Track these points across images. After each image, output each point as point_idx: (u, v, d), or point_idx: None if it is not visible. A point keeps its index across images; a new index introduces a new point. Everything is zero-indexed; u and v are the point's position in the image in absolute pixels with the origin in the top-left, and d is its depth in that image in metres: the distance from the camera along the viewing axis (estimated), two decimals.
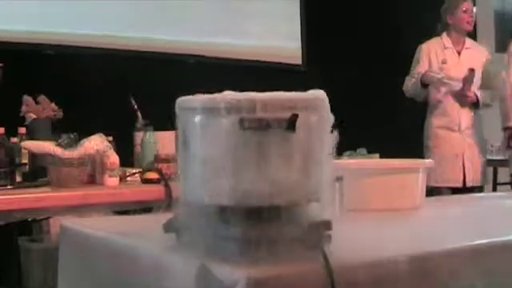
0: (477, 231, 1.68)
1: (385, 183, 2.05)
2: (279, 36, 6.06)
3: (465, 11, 4.82)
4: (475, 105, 4.80)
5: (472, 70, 4.67)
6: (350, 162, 2.09)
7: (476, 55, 4.91)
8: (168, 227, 1.47)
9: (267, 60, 5.88)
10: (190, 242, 1.35)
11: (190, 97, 1.33)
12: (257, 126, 1.24)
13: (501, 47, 5.67)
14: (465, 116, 4.80)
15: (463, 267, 1.46)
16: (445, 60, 4.83)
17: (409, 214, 1.99)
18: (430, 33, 5.06)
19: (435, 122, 4.85)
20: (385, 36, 6.38)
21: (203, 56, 5.54)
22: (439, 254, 1.42)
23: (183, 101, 1.34)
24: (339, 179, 1.84)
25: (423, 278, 1.38)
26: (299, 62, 6.19)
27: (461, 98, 4.73)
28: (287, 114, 1.25)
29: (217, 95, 1.28)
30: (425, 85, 4.78)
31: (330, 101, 1.34)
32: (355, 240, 1.46)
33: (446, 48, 4.90)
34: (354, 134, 5.20)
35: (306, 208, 1.31)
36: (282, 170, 1.25)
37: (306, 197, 1.30)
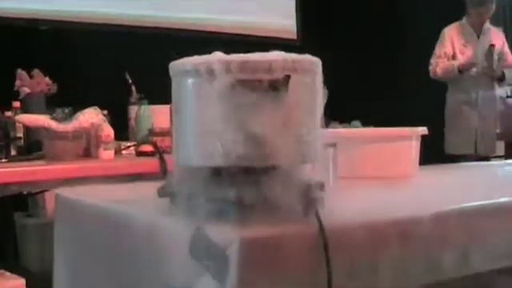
0: (468, 196, 1.69)
1: (377, 151, 2.06)
2: (274, 11, 6.05)
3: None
4: (500, 80, 5.16)
5: (492, 46, 5.03)
6: (343, 130, 2.09)
7: (494, 37, 5.22)
8: (162, 192, 1.48)
9: (262, 35, 5.86)
10: (184, 206, 1.35)
11: (182, 59, 1.33)
12: (249, 86, 1.24)
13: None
14: (481, 92, 5.16)
15: (453, 230, 1.47)
16: (465, 43, 5.19)
17: (401, 181, 2.00)
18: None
19: (453, 96, 5.25)
20: (382, 9, 6.36)
21: (198, 31, 5.53)
22: (429, 217, 1.43)
23: (176, 64, 1.34)
24: (332, 146, 1.85)
25: (414, 241, 1.40)
26: (294, 36, 6.18)
27: (487, 74, 5.09)
28: (280, 75, 1.25)
29: (209, 56, 1.29)
30: (461, 71, 5.13)
31: (326, 75, 1.35)
32: (347, 203, 1.46)
33: (465, 31, 5.22)
34: (351, 108, 5.24)
35: (299, 169, 1.31)
36: (275, 131, 1.26)
37: (299, 158, 1.31)
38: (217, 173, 1.30)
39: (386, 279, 1.33)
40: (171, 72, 1.36)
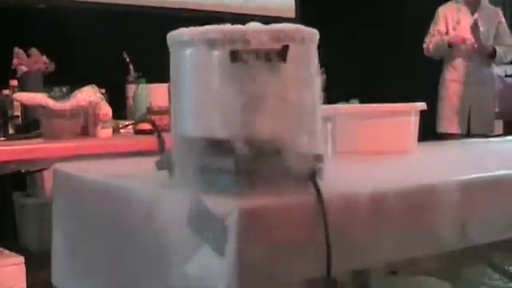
0: (466, 169, 1.70)
1: (376, 126, 2.05)
2: None
3: None
4: (491, 57, 5.09)
5: (476, 23, 4.99)
6: (341, 106, 2.09)
7: (490, 15, 5.19)
8: (160, 164, 1.48)
9: (259, 14, 5.83)
10: (182, 177, 1.35)
11: (180, 29, 1.32)
12: (248, 57, 1.23)
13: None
14: (473, 70, 5.11)
15: (452, 203, 1.47)
16: (458, 20, 5.16)
17: (400, 156, 2.00)
18: None
19: (447, 75, 5.21)
20: None
21: (197, 10, 5.51)
22: (428, 188, 1.44)
23: (174, 34, 1.33)
24: (331, 120, 1.85)
25: (413, 212, 1.40)
26: (293, 15, 6.16)
27: (475, 50, 5.04)
28: (278, 46, 1.25)
29: (207, 27, 1.28)
30: (451, 46, 5.12)
31: (325, 54, 1.35)
32: (346, 174, 1.47)
33: (460, 10, 5.19)
34: (348, 86, 5.23)
35: (298, 140, 1.31)
36: (273, 102, 1.25)
37: (298, 129, 1.30)
38: (215, 144, 1.29)
39: (384, 249, 1.33)
40: (169, 42, 1.35)
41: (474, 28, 4.98)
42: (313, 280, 1.23)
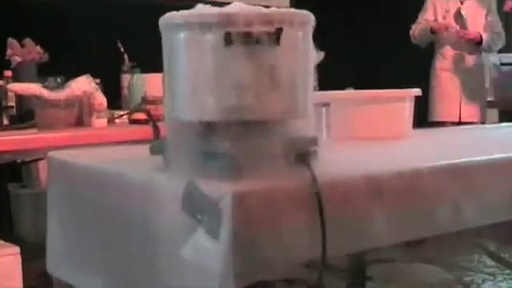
0: (462, 152, 1.70)
1: (371, 112, 2.05)
2: None
3: None
4: (477, 44, 5.08)
5: (458, 11, 5.05)
6: (336, 92, 2.08)
7: (479, 5, 5.17)
8: (154, 149, 1.47)
9: (254, 3, 5.82)
10: (176, 161, 1.35)
11: (173, 13, 1.31)
12: (241, 40, 1.23)
13: None
14: (462, 59, 5.13)
15: (448, 185, 1.47)
16: (448, 9, 5.16)
17: (395, 141, 2.00)
18: None
19: (437, 63, 5.23)
20: None
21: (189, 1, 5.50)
22: (424, 171, 1.43)
23: (167, 17, 1.33)
24: (326, 105, 1.85)
25: (408, 194, 1.40)
26: (287, 4, 6.16)
27: (460, 38, 5.05)
28: (272, 28, 1.24)
29: (200, 9, 1.27)
30: (433, 31, 5.13)
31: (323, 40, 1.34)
32: (341, 157, 1.47)
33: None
34: (345, 73, 5.22)
35: (292, 123, 1.31)
36: (267, 85, 1.25)
37: (292, 112, 1.30)
38: (209, 127, 1.29)
39: (380, 232, 1.33)
40: (161, 26, 1.35)
41: (457, 16, 5.02)
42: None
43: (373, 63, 5.99)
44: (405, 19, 5.42)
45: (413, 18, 5.30)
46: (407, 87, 2.16)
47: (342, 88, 4.95)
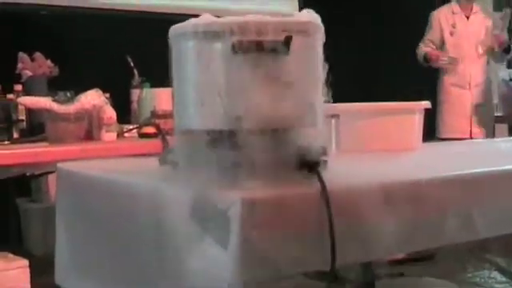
0: (472, 164, 1.69)
1: (381, 124, 2.05)
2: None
3: None
4: (506, 50, 5.14)
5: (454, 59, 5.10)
6: (346, 104, 2.08)
7: (482, 19, 5.22)
8: (163, 160, 1.48)
9: (264, 7, 5.81)
10: (185, 170, 1.35)
11: (182, 23, 1.32)
12: (250, 48, 1.23)
13: (497, 6, 5.71)
14: (475, 75, 5.13)
15: (458, 196, 1.46)
16: (454, 24, 5.19)
17: (405, 153, 1.99)
18: None
19: (447, 79, 5.20)
20: None
21: (199, 16, 5.52)
22: (433, 182, 1.43)
23: (176, 27, 1.33)
24: (335, 117, 1.84)
25: (418, 205, 1.39)
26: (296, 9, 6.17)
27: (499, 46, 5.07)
28: (281, 37, 1.24)
29: (209, 19, 1.28)
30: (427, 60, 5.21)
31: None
32: (350, 169, 1.46)
33: (454, 13, 5.21)
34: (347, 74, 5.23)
35: (301, 132, 1.31)
36: (276, 94, 1.25)
37: (302, 121, 1.30)
38: (218, 136, 1.29)
39: (389, 241, 1.32)
40: (171, 36, 1.35)
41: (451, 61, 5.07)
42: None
43: (374, 62, 5.98)
44: (411, 34, 5.42)
45: (412, 33, 5.31)
46: (409, 94, 2.17)
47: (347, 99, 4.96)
